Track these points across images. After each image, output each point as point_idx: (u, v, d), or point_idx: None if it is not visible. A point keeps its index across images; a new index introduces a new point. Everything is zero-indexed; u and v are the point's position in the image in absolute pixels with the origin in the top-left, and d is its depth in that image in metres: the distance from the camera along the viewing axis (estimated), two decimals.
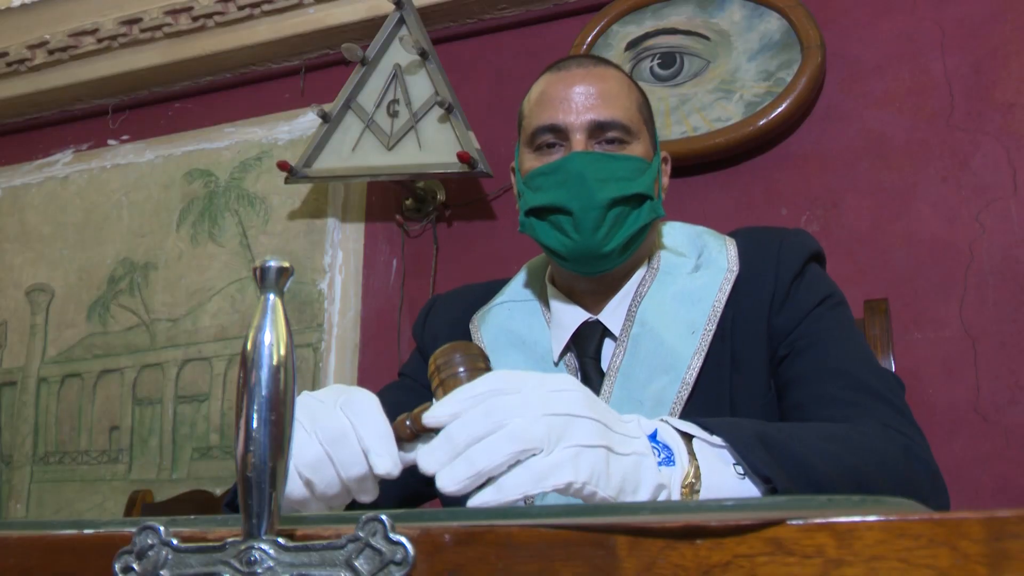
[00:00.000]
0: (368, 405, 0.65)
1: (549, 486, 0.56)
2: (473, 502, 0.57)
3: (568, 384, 0.61)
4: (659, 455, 0.64)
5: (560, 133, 0.97)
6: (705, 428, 0.69)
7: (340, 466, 0.64)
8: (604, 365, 0.96)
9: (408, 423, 0.64)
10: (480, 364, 0.65)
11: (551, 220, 0.97)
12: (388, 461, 0.63)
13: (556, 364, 0.99)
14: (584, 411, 0.59)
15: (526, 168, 1.00)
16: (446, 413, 0.59)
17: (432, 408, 0.61)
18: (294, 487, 0.64)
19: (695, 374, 0.91)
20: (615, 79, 1.00)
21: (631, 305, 0.98)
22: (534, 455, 0.56)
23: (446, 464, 0.58)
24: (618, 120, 0.96)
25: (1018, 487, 1.49)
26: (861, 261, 1.69)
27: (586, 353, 0.97)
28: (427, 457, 0.59)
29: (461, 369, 0.64)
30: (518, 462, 0.56)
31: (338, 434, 0.64)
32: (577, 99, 0.97)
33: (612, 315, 0.98)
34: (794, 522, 0.35)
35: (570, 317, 1.00)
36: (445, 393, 0.63)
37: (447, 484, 0.57)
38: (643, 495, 0.60)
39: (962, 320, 1.60)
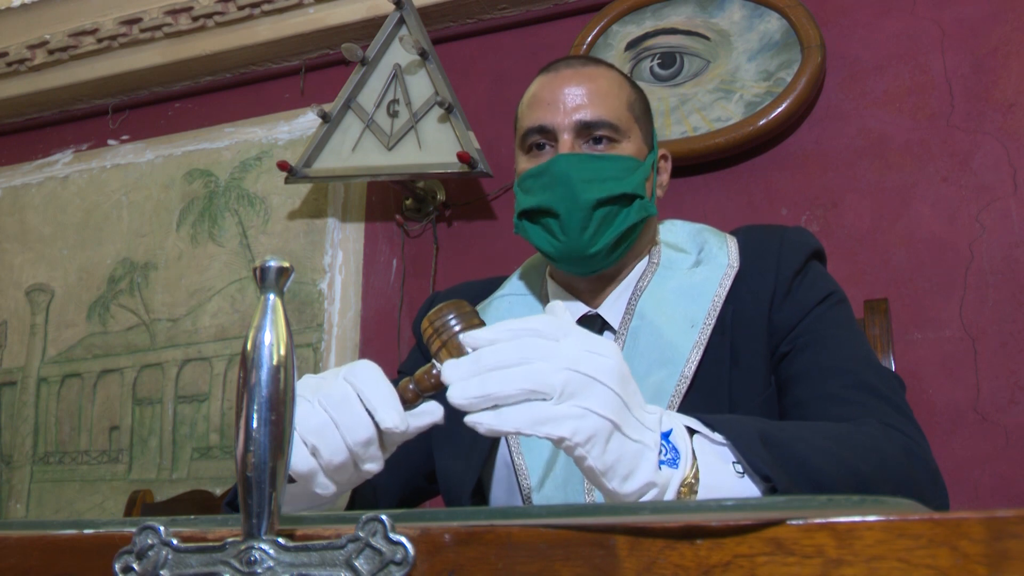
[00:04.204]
0: (371, 370, 0.67)
1: (543, 432, 0.57)
2: (471, 419, 0.58)
3: (607, 351, 0.62)
4: (666, 454, 0.64)
5: (548, 134, 0.98)
6: (707, 424, 0.69)
7: (345, 430, 0.65)
8: None
9: (411, 385, 0.65)
10: (475, 321, 0.66)
11: (541, 223, 0.98)
12: (395, 415, 0.64)
13: None
14: (609, 380, 0.60)
15: (519, 170, 1.02)
16: (485, 338, 0.61)
17: (476, 331, 0.62)
18: (299, 457, 0.65)
19: (694, 367, 0.91)
20: (605, 78, 1.00)
21: (630, 299, 0.98)
22: (543, 400, 0.58)
23: (465, 379, 0.59)
24: (605, 119, 0.97)
25: (1018, 487, 1.49)
26: (861, 261, 1.69)
27: None
28: (451, 370, 0.61)
29: (458, 328, 0.65)
30: (526, 401, 0.58)
31: (341, 399, 0.65)
32: (565, 100, 0.97)
33: (611, 308, 0.99)
34: (794, 522, 0.35)
35: (569, 310, 1.01)
36: (450, 354, 0.64)
37: (456, 395, 0.59)
38: (633, 485, 0.60)
39: (962, 320, 1.60)
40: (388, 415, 0.64)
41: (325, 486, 0.67)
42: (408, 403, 0.66)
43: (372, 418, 0.65)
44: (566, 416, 0.57)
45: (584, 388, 0.58)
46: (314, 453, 0.65)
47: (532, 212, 0.98)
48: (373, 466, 0.67)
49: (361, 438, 0.65)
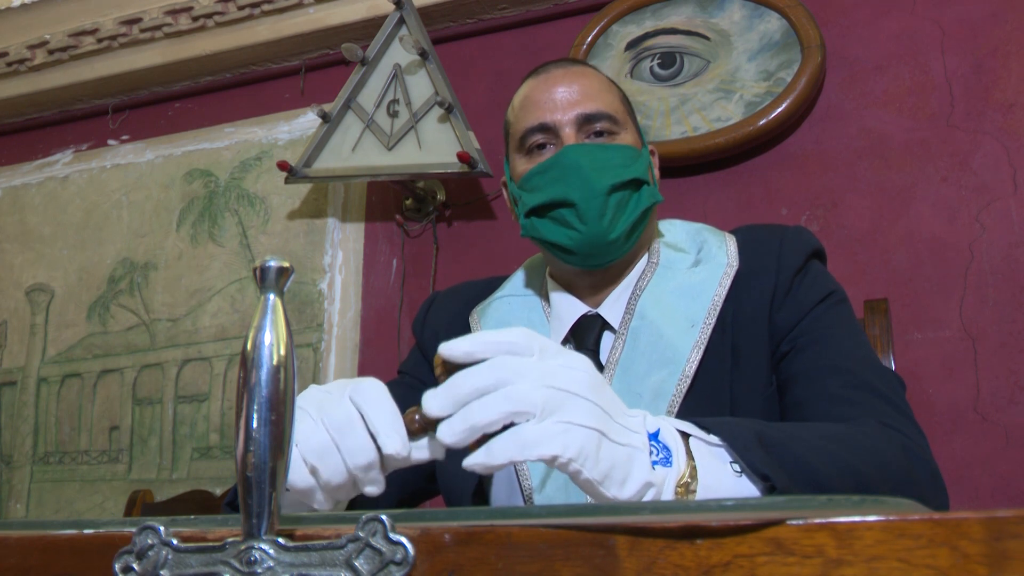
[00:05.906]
0: (376, 391, 0.66)
1: (535, 455, 0.57)
2: (467, 463, 0.58)
3: (579, 364, 0.61)
4: (657, 454, 0.64)
5: (550, 132, 0.99)
6: (702, 428, 0.69)
7: (346, 454, 0.64)
8: (603, 358, 0.96)
9: (417, 416, 0.64)
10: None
11: (553, 216, 0.97)
12: (398, 441, 0.63)
13: None
14: (585, 392, 0.59)
15: (519, 172, 1.01)
16: (461, 350, 0.60)
17: (453, 341, 0.61)
18: (299, 475, 0.65)
19: (694, 367, 0.91)
20: (595, 76, 1.03)
21: (630, 298, 0.98)
22: (527, 420, 0.57)
23: (445, 410, 0.59)
24: (604, 111, 0.99)
25: (1018, 487, 1.49)
26: (861, 261, 1.69)
27: (585, 345, 0.97)
28: (430, 400, 0.60)
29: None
30: (510, 424, 0.57)
31: (345, 422, 0.65)
32: (561, 97, 0.99)
33: (611, 308, 0.99)
34: (794, 522, 0.35)
35: (569, 310, 1.01)
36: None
37: (445, 436, 0.59)
38: (630, 488, 0.60)
39: (962, 320, 1.60)
40: (391, 441, 0.63)
41: (322, 503, 0.67)
42: (412, 434, 0.65)
43: (375, 441, 0.64)
44: (552, 434, 0.57)
45: (563, 403, 0.58)
46: (313, 473, 0.65)
47: (544, 207, 0.98)
48: (373, 489, 0.67)
49: (362, 462, 0.64)
